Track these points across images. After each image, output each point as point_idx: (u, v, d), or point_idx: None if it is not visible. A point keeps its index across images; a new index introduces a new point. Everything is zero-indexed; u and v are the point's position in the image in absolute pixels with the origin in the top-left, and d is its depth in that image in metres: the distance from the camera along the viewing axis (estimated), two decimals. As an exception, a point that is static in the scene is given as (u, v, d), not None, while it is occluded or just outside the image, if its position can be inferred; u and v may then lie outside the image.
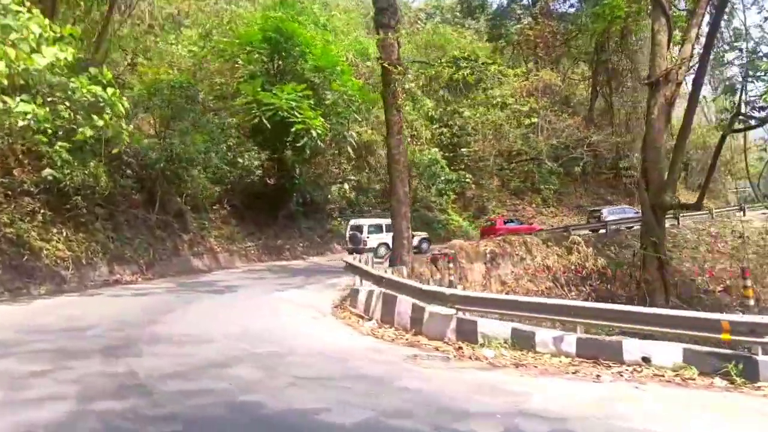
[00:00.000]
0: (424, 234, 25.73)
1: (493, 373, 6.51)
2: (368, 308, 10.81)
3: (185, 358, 7.23)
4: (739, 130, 17.74)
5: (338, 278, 18.49)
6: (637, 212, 29.34)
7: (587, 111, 39.85)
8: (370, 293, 10.95)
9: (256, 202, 27.44)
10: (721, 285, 23.24)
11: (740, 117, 17.08)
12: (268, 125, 23.84)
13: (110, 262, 18.91)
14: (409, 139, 34.10)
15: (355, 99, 27.28)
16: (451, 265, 18.15)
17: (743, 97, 17.42)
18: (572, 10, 40.71)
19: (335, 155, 31.52)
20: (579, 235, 24.23)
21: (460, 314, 8.33)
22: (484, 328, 7.90)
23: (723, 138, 17.75)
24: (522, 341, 7.43)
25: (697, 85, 18.79)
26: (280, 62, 27.60)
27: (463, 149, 36.23)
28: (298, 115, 24.13)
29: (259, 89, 24.42)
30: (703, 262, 24.14)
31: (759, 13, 17.49)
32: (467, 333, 8.08)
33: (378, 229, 24.72)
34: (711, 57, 18.45)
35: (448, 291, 8.55)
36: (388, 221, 21.69)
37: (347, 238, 25.08)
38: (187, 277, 19.04)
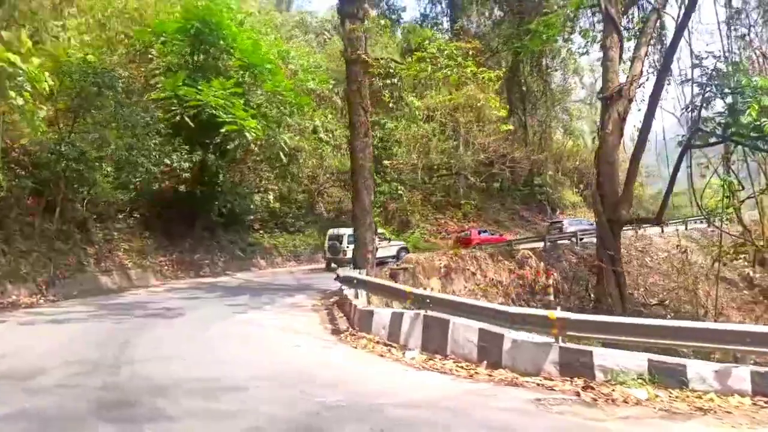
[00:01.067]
0: (401, 243, 24.29)
1: (691, 425, 4.97)
2: (396, 334, 8.89)
3: (234, 420, 4.95)
4: (698, 146, 18.13)
5: (291, 297, 16.34)
6: (591, 224, 29.98)
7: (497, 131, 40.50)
8: (397, 316, 9.03)
9: (167, 212, 24.06)
10: (655, 299, 23.94)
11: (700, 133, 17.40)
12: (191, 124, 20.89)
13: (1, 280, 15.12)
14: (329, 149, 32.38)
15: (288, 102, 25.00)
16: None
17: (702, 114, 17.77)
18: (488, 29, 41.32)
19: (257, 162, 28.78)
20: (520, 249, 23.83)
21: (561, 342, 6.73)
22: (604, 360, 6.36)
23: (682, 153, 18.02)
24: (665, 376, 5.98)
25: (653, 101, 19.02)
26: (202, 56, 24.62)
27: (385, 161, 34.96)
28: (229, 115, 21.44)
29: (180, 84, 21.40)
30: (637, 276, 24.73)
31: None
32: (577, 367, 6.50)
33: None
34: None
35: (547, 313, 6.87)
36: None
37: (326, 248, 24.33)
38: (102, 299, 15.66)
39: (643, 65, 20.78)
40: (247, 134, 21.42)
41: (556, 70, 40.23)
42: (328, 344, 9.23)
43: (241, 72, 24.30)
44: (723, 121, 16.79)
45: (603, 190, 19.89)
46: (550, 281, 21.41)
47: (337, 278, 14.53)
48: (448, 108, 34.91)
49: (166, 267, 22.74)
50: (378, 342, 9.09)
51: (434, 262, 20.40)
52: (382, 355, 8.30)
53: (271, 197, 28.65)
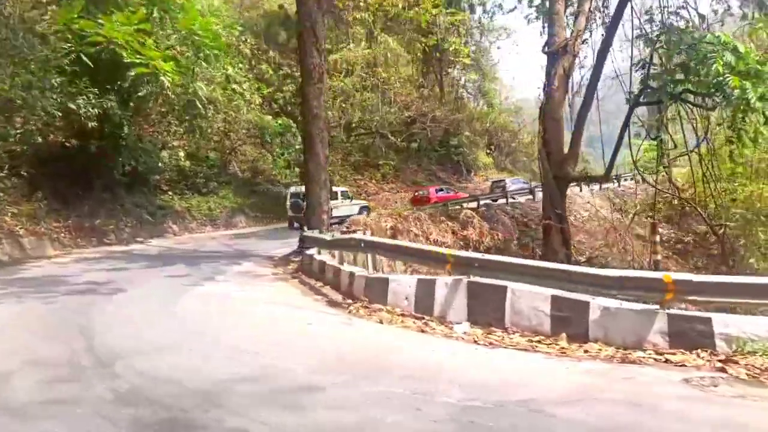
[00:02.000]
0: (363, 202, 22.90)
1: None
2: (427, 304, 7.54)
3: None
4: (645, 104, 18.24)
5: (238, 265, 14.40)
6: (526, 183, 30.25)
7: (418, 88, 39.50)
8: (427, 283, 7.66)
9: (57, 168, 20.47)
10: (583, 256, 24.51)
11: (648, 90, 17.43)
12: (90, 64, 17.55)
13: None
14: (243, 103, 29.53)
15: (204, 44, 21.92)
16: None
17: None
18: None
19: (163, 114, 25.39)
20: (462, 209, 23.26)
21: (667, 308, 5.75)
22: (726, 327, 5.45)
23: (631, 110, 18.03)
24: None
25: (601, 57, 18.83)
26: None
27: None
28: (139, 56, 18.30)
29: (75, 16, 17.86)
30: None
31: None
32: (693, 336, 5.54)
33: None
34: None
35: (661, 275, 5.78)
36: (335, 188, 22.35)
37: (288, 206, 23.88)
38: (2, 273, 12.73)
39: (587, 20, 20.53)
40: (163, 79, 18.44)
41: (473, 29, 39.75)
42: (342, 319, 7.69)
43: (149, 5, 20.84)
44: (672, 78, 16.93)
45: (549, 147, 19.59)
46: (495, 241, 20.99)
47: (302, 240, 12.84)
48: (368, 62, 33.21)
49: (63, 234, 19.40)
50: (403, 314, 7.68)
51: (381, 224, 19.12)
52: (423, 331, 6.93)
53: (181, 154, 25.55)
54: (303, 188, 23.08)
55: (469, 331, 6.76)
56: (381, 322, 7.49)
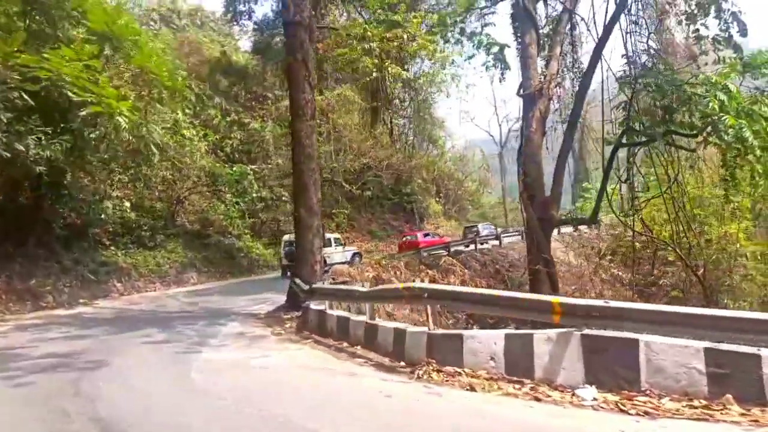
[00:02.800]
0: (354, 248, 21.48)
1: None
2: (523, 364, 6.27)
3: None
4: (627, 145, 18.22)
5: (223, 326, 12.55)
6: (494, 228, 30.07)
7: (372, 137, 38.87)
8: (521, 339, 6.41)
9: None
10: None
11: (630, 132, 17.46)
12: (31, 102, 15.50)
13: None
14: (197, 147, 27.64)
15: (161, 84, 20.21)
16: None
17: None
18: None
19: (106, 161, 23.01)
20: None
21: None
22: None
23: (614, 151, 17.96)
24: None
25: (579, 99, 18.81)
26: (37, 18, 18.89)
27: (253, 166, 30.97)
28: (90, 93, 16.44)
29: (15, 50, 15.92)
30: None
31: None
32: None
33: None
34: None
35: None
36: (329, 236, 22.97)
37: (283, 255, 23.86)
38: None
39: (559, 64, 20.67)
40: (119, 119, 16.58)
41: (419, 78, 39.87)
42: (418, 388, 6.27)
43: (100, 41, 19.01)
44: (648, 121, 17.06)
45: (531, 190, 19.14)
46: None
47: (307, 292, 11.28)
48: (322, 107, 32.32)
49: (-8, 298, 16.61)
50: (492, 378, 6.37)
51: (364, 274, 17.73)
52: (536, 399, 5.65)
53: (127, 204, 23.15)
54: None
55: (597, 396, 5.54)
56: (472, 388, 6.14)
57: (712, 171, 20.04)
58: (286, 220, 31.81)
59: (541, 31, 20.73)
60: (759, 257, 19.35)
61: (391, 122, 40.46)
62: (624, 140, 17.84)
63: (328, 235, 24.37)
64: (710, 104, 13.93)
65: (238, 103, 35.43)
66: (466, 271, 20.74)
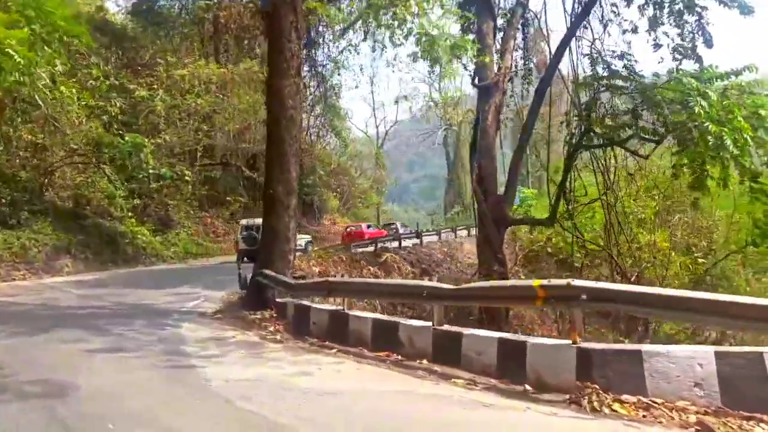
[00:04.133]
0: (307, 236, 18.57)
1: None
2: (756, 394, 4.72)
3: None
4: (589, 147, 17.77)
5: (188, 330, 9.52)
6: (407, 228, 28.64)
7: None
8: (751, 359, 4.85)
9: None
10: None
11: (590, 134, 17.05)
12: None
13: None
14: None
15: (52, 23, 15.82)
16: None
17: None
18: None
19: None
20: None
21: None
22: None
23: (574, 152, 17.39)
24: None
25: (539, 94, 18.04)
26: None
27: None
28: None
29: None
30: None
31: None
32: None
33: None
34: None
35: None
36: None
37: (241, 239, 21.69)
38: None
39: (512, 58, 19.90)
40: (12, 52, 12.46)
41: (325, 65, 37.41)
42: (627, 428, 4.42)
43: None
44: (612, 123, 16.81)
45: (485, 185, 18.05)
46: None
47: (289, 286, 8.90)
48: (224, 81, 28.79)
49: None
50: (708, 413, 4.73)
51: (313, 268, 15.29)
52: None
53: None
54: (255, 220, 20.94)
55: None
56: (626, 418, 4.46)
57: (646, 180, 20.44)
58: (176, 205, 27.75)
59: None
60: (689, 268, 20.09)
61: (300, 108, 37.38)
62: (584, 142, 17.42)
63: None
64: (696, 109, 13.71)
65: (118, 67, 30.29)
66: (408, 267, 19.05)
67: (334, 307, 8.67)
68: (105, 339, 8.05)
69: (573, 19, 17.52)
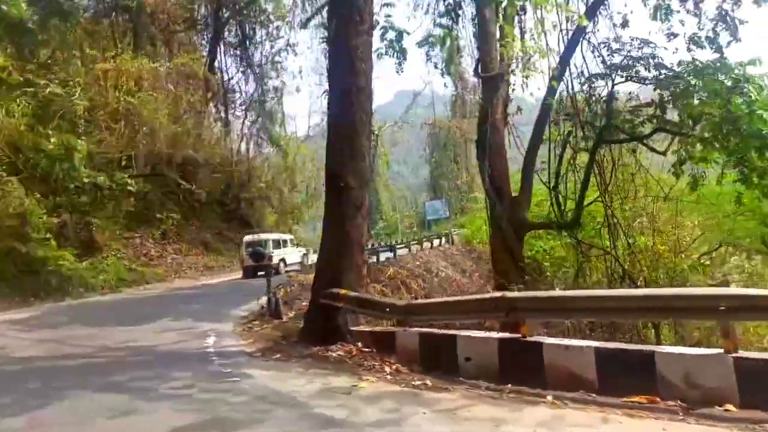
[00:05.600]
0: (303, 247, 15.58)
1: None
2: None
3: None
4: (610, 142, 16.39)
5: (247, 376, 6.61)
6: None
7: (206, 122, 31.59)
8: None
9: None
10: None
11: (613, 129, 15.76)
12: None
13: None
14: None
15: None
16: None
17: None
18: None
19: None
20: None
21: None
22: None
23: (594, 149, 15.95)
24: None
25: (551, 89, 16.51)
26: None
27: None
28: None
29: None
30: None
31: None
32: None
33: (277, 244, 23.36)
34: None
35: None
36: (285, 236, 23.14)
37: (246, 256, 21.50)
38: None
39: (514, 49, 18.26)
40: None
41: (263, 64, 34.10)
42: None
43: None
44: (635, 118, 15.69)
45: (499, 186, 16.22)
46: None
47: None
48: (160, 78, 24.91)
49: None
50: None
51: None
52: None
53: None
54: (260, 236, 22.95)
55: None
56: None
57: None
58: (99, 225, 23.19)
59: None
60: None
61: (226, 111, 33.65)
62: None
63: (282, 236, 24.72)
64: (752, 96, 12.75)
65: (22, 60, 25.26)
66: (422, 283, 16.60)
67: (502, 335, 6.19)
68: (173, 407, 5.02)
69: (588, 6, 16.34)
